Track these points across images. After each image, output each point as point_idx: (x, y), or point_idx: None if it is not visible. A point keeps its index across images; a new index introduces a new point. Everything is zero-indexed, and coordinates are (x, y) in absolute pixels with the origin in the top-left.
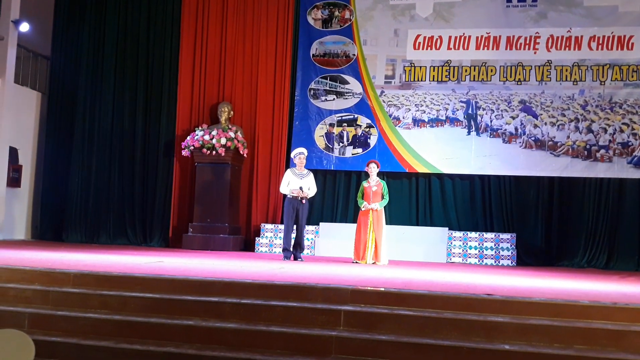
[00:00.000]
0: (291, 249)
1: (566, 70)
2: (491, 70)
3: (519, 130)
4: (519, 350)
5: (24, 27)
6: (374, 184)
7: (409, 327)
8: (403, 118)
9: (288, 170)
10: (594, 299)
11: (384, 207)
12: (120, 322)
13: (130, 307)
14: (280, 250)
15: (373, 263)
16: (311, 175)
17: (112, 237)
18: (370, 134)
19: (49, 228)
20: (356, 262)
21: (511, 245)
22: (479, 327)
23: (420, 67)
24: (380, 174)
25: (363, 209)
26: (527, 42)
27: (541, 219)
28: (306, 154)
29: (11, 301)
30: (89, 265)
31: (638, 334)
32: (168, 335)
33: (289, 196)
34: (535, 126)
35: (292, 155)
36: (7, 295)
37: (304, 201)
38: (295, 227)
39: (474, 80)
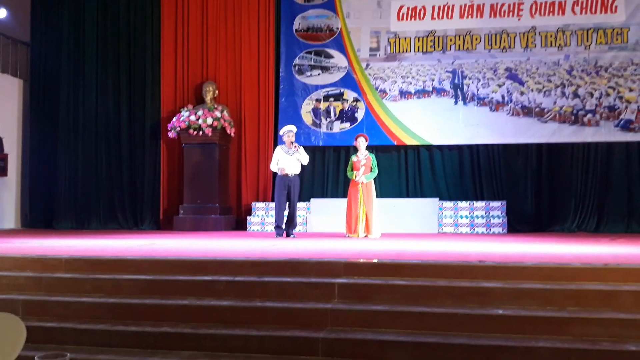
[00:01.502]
0: (283, 226)
1: (551, 35)
2: (476, 39)
3: (506, 98)
4: (512, 315)
5: (1, 13)
6: (363, 157)
7: (403, 296)
8: (389, 90)
9: (278, 147)
10: (585, 262)
11: (374, 180)
12: (114, 304)
13: (124, 290)
14: (272, 228)
15: (365, 236)
16: (301, 148)
17: (102, 223)
18: (358, 108)
19: (38, 216)
20: (349, 236)
21: (502, 213)
22: (473, 293)
23: (405, 38)
24: (369, 148)
25: (357, 180)
26: (511, 8)
27: (531, 185)
28: (295, 131)
29: (4, 289)
30: (81, 250)
31: (629, 293)
32: (163, 315)
33: (279, 174)
34: (522, 93)
35: (280, 132)
36: None
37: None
38: (287, 204)
39: (459, 49)
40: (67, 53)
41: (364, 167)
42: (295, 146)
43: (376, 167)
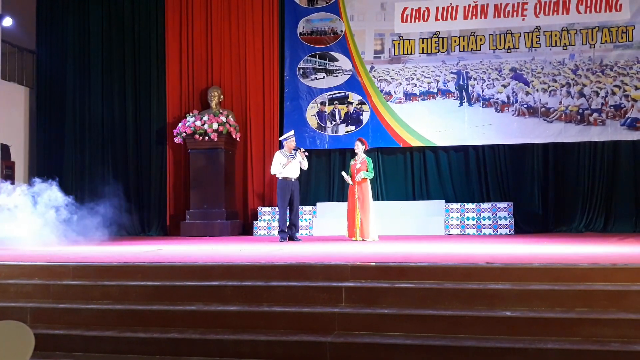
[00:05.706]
0: (287, 230)
1: (555, 35)
2: (480, 40)
3: (511, 99)
4: (520, 316)
5: (7, 21)
6: (359, 161)
7: (410, 299)
8: (394, 93)
9: (277, 152)
10: (593, 262)
11: (370, 182)
12: (122, 311)
13: (132, 296)
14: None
15: (362, 239)
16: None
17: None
18: (363, 111)
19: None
20: (354, 240)
21: (508, 214)
22: (480, 295)
23: (409, 40)
24: (375, 150)
25: (350, 183)
26: (515, 8)
27: (537, 186)
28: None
29: (12, 297)
30: (88, 257)
31: (638, 293)
32: (171, 321)
33: (280, 178)
34: (527, 93)
35: (282, 138)
36: (7, 292)
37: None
38: (290, 207)
39: (463, 50)
40: (73, 60)
41: (357, 171)
42: (299, 149)
43: (372, 170)
